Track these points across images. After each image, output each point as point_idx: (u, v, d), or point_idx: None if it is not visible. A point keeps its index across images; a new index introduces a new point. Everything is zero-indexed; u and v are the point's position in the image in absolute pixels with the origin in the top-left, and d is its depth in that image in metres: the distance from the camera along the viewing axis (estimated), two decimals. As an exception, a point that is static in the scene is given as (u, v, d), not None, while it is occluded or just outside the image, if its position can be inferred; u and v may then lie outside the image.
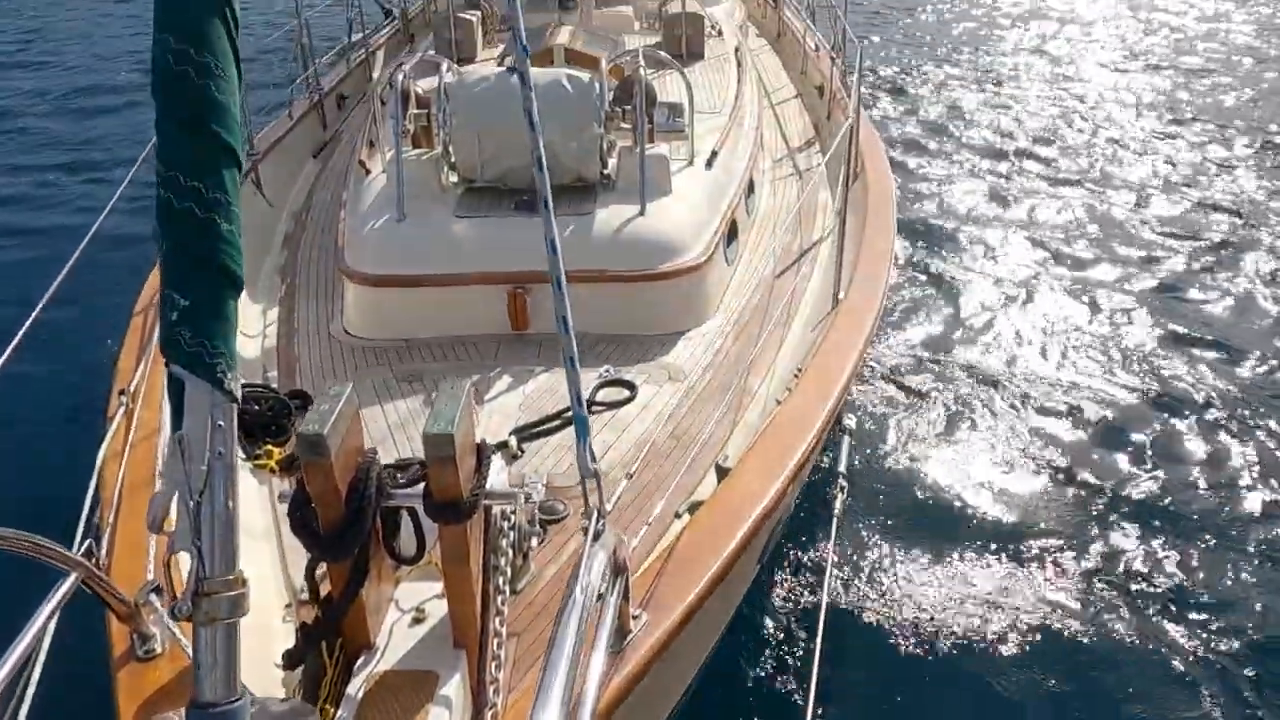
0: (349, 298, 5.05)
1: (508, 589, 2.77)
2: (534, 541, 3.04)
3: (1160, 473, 6.02)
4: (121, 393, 3.67)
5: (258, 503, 3.46)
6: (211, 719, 1.36)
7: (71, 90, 15.66)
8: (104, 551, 2.74)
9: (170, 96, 1.44)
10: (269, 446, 3.27)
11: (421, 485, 2.53)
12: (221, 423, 1.42)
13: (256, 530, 3.32)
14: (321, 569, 2.57)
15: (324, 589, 2.59)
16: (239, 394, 1.47)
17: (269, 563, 3.25)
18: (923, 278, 8.52)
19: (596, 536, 1.84)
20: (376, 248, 4.94)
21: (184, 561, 1.52)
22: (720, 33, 8.15)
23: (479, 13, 8.06)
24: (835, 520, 3.60)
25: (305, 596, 2.91)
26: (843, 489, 3.64)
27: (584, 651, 1.62)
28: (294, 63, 8.35)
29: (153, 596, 2.40)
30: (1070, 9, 20.57)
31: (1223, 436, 6.40)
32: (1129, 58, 16.67)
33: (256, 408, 2.95)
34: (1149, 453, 6.20)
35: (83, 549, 2.67)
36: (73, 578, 2.12)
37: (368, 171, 5.68)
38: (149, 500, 1.43)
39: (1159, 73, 15.53)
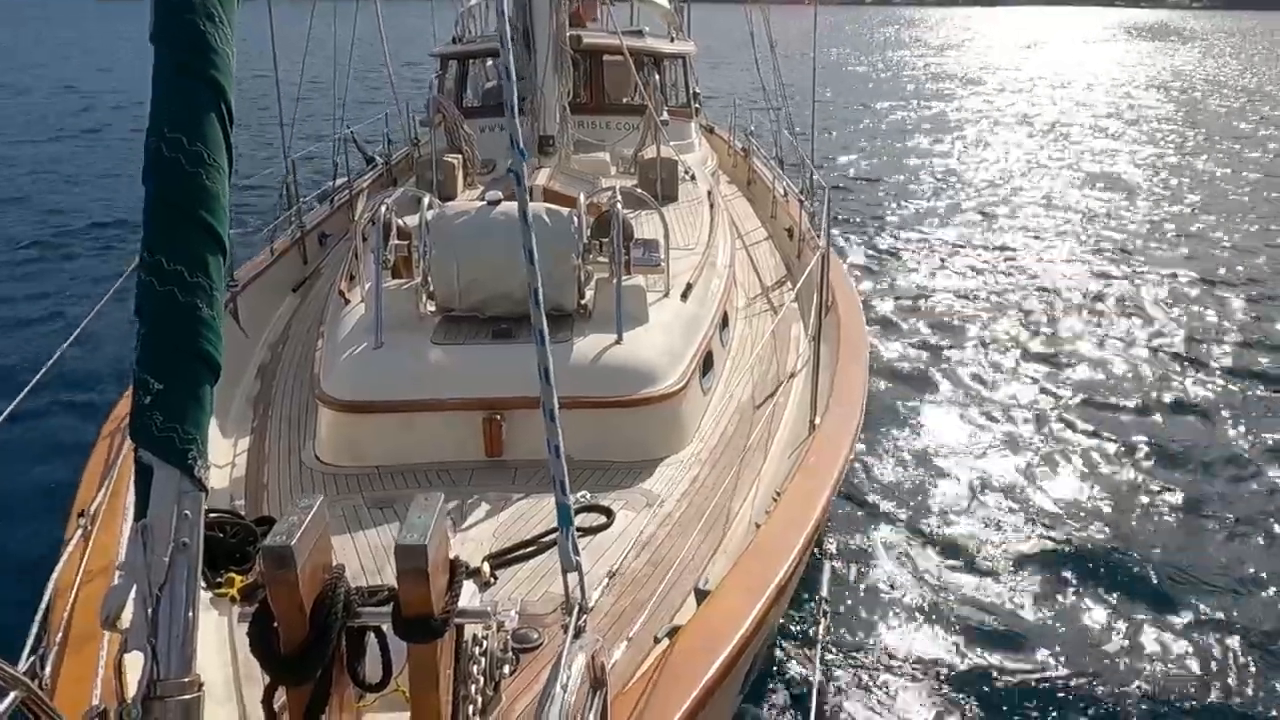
0: (323, 424, 5.00)
1: (477, 719, 2.62)
2: (506, 670, 2.90)
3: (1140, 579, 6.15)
4: (81, 514, 3.55)
5: (213, 634, 3.30)
6: None
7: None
8: (49, 673, 2.58)
9: (160, 183, 1.45)
10: (231, 574, 3.15)
11: (390, 604, 2.42)
12: (188, 512, 1.37)
13: (211, 662, 3.15)
14: (280, 697, 2.42)
15: None
16: (208, 483, 1.43)
17: (221, 691, 3.07)
18: (895, 403, 8.75)
19: (578, 634, 1.75)
20: (353, 374, 4.93)
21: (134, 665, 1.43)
22: (693, 177, 8.49)
23: (460, 156, 8.37)
24: (819, 646, 3.49)
25: None
26: (825, 614, 3.55)
27: None
28: (280, 200, 8.57)
29: None
30: (1024, 153, 22.18)
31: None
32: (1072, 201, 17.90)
33: (221, 535, 2.86)
34: (1132, 568, 6.28)
35: (27, 668, 2.50)
36: (13, 695, 1.97)
37: (347, 301, 5.73)
38: (104, 594, 1.35)
39: (1098, 216, 16.60)
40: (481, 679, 2.66)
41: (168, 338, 1.42)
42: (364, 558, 3.92)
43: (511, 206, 5.36)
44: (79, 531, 3.43)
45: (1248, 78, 47.26)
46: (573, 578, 2.06)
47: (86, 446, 4.50)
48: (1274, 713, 4.98)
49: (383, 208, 5.43)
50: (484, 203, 5.40)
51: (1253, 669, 5.29)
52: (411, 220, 5.67)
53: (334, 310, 5.73)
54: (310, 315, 7.01)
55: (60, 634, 2.80)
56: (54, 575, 3.12)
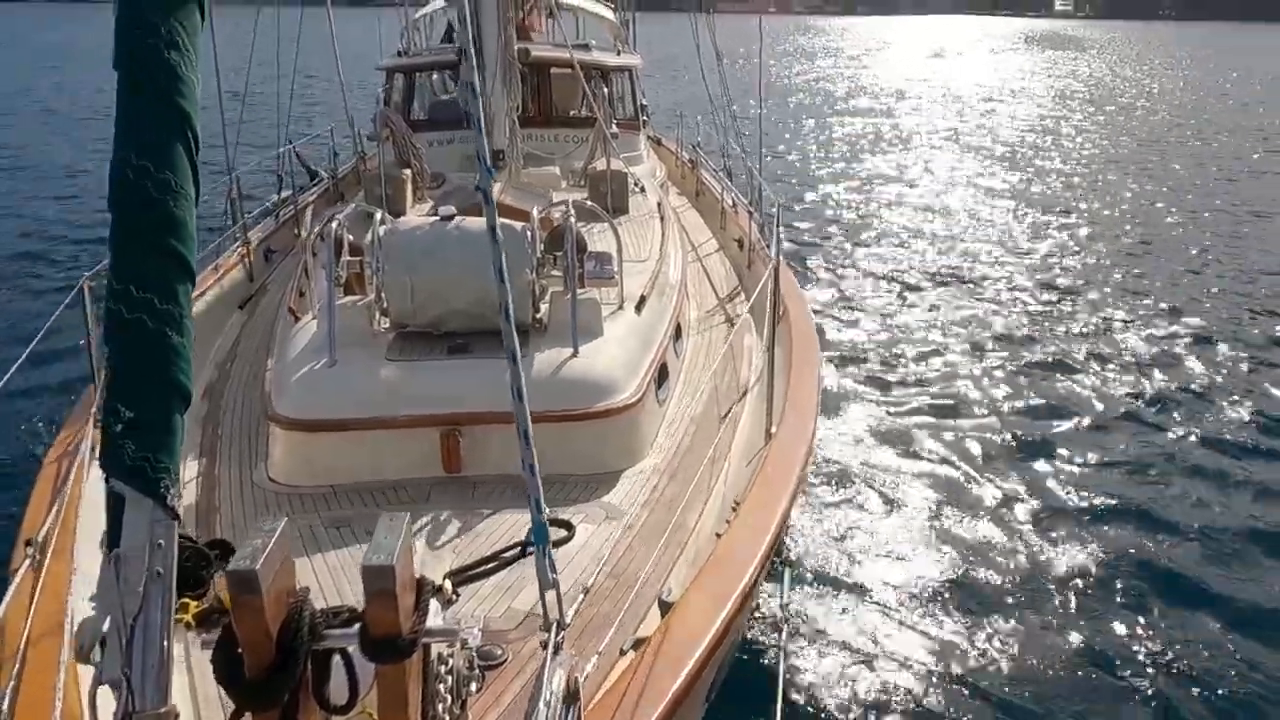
0: (276, 444, 4.93)
1: None
2: (473, 688, 2.90)
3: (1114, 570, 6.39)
4: (28, 543, 3.45)
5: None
6: None
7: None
8: (4, 709, 2.51)
9: (126, 210, 1.44)
10: (186, 600, 3.10)
11: (357, 626, 2.41)
12: (161, 541, 1.36)
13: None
14: None
15: None
16: (180, 512, 1.42)
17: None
18: (848, 406, 8.92)
19: (556, 650, 1.77)
20: (307, 392, 4.87)
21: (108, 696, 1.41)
22: (643, 189, 8.55)
23: (409, 171, 8.31)
24: (781, 652, 3.54)
25: None
26: (787, 620, 3.60)
27: None
28: (224, 216, 8.42)
29: None
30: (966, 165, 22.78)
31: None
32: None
33: None
34: (1094, 565, 6.47)
35: None
36: None
37: (297, 318, 5.66)
38: (78, 626, 1.33)
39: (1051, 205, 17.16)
40: (449, 697, 2.65)
41: (138, 366, 1.41)
42: (322, 578, 3.88)
43: (465, 221, 5.35)
44: (27, 561, 3.34)
45: (1149, 82, 48.94)
46: (550, 595, 2.07)
47: (31, 474, 4.38)
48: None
49: (334, 223, 5.38)
50: (437, 218, 5.38)
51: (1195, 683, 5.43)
52: (363, 236, 5.63)
53: (284, 328, 5.65)
54: (258, 333, 6.90)
55: (16, 667, 2.73)
56: (1, 609, 3.03)
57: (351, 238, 5.69)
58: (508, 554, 3.98)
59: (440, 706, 2.62)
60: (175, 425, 1.44)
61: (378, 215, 5.39)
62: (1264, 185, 21.51)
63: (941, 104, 37.89)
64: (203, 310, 6.91)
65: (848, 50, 69.44)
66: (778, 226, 5.61)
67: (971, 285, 13.15)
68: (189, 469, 5.18)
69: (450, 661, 2.73)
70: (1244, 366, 10.21)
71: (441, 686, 2.65)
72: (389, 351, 5.08)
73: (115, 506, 1.39)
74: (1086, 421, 8.84)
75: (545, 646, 1.76)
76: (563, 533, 4.27)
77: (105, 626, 1.32)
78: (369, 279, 5.42)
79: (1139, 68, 58.61)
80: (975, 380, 9.72)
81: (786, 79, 49.32)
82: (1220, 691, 5.26)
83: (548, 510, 4.35)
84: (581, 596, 3.27)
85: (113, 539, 1.37)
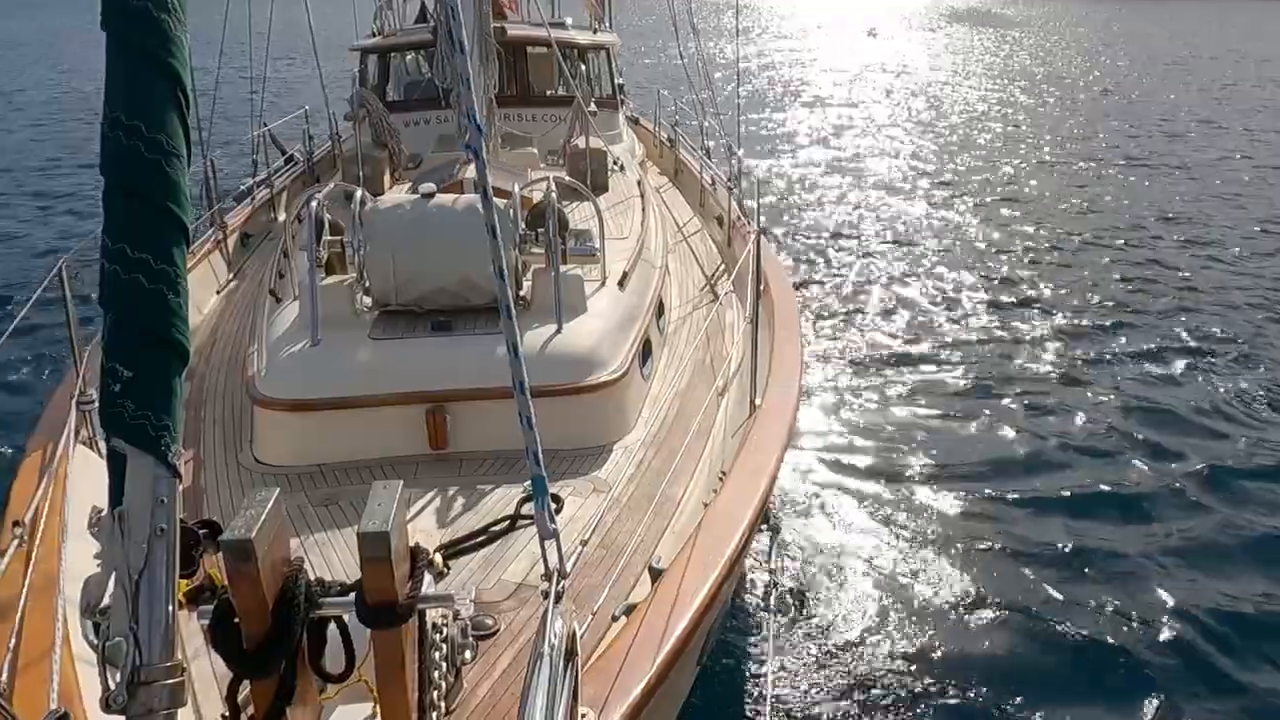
0: (261, 426, 4.91)
1: (443, 704, 2.64)
2: (467, 655, 2.93)
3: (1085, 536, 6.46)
4: (16, 524, 3.44)
5: None
6: None
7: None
8: (3, 686, 2.51)
9: (119, 170, 1.43)
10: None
11: (353, 594, 2.43)
12: (164, 498, 1.37)
13: None
14: (244, 691, 2.41)
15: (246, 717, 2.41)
16: (182, 470, 1.43)
17: None
18: (831, 377, 9.05)
19: (558, 599, 1.80)
20: (291, 373, 4.86)
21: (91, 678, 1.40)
22: (622, 167, 8.53)
23: (386, 151, 8.25)
24: (771, 616, 3.59)
25: None
26: (775, 585, 3.65)
27: None
28: (199, 201, 8.33)
29: None
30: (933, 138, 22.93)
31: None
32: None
33: None
34: (1075, 536, 6.54)
35: None
36: None
37: (278, 300, 5.63)
38: (83, 582, 1.34)
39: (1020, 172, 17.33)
40: (444, 665, 2.68)
41: (136, 325, 1.41)
42: (313, 556, 3.88)
43: (447, 198, 5.33)
44: (15, 542, 3.33)
45: (1082, 61, 48.81)
46: (550, 545, 2.10)
47: (14, 458, 4.35)
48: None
49: (313, 203, 5.35)
50: (418, 196, 5.36)
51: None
52: (343, 216, 5.60)
53: (266, 311, 5.62)
54: (237, 317, 6.86)
55: (11, 645, 2.72)
56: None
57: (331, 217, 5.66)
58: (496, 527, 4.02)
59: (435, 674, 2.65)
60: (174, 384, 1.44)
61: (357, 194, 5.36)
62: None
63: (888, 81, 37.88)
64: None
65: (782, 30, 68.64)
66: (758, 200, 5.63)
67: (941, 245, 13.68)
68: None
69: (445, 630, 2.76)
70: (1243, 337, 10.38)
71: (436, 654, 2.68)
72: (372, 331, 5.07)
73: (117, 465, 1.39)
74: (1070, 367, 9.18)
75: (546, 596, 1.78)
76: (551, 505, 4.32)
77: (110, 582, 1.33)
78: (350, 258, 5.39)
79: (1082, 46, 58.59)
80: (955, 338, 10.03)
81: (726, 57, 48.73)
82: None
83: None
84: (580, 549, 3.31)
85: (115, 497, 1.38)
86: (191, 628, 2.49)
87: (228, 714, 2.43)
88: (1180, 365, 9.48)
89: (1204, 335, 10.28)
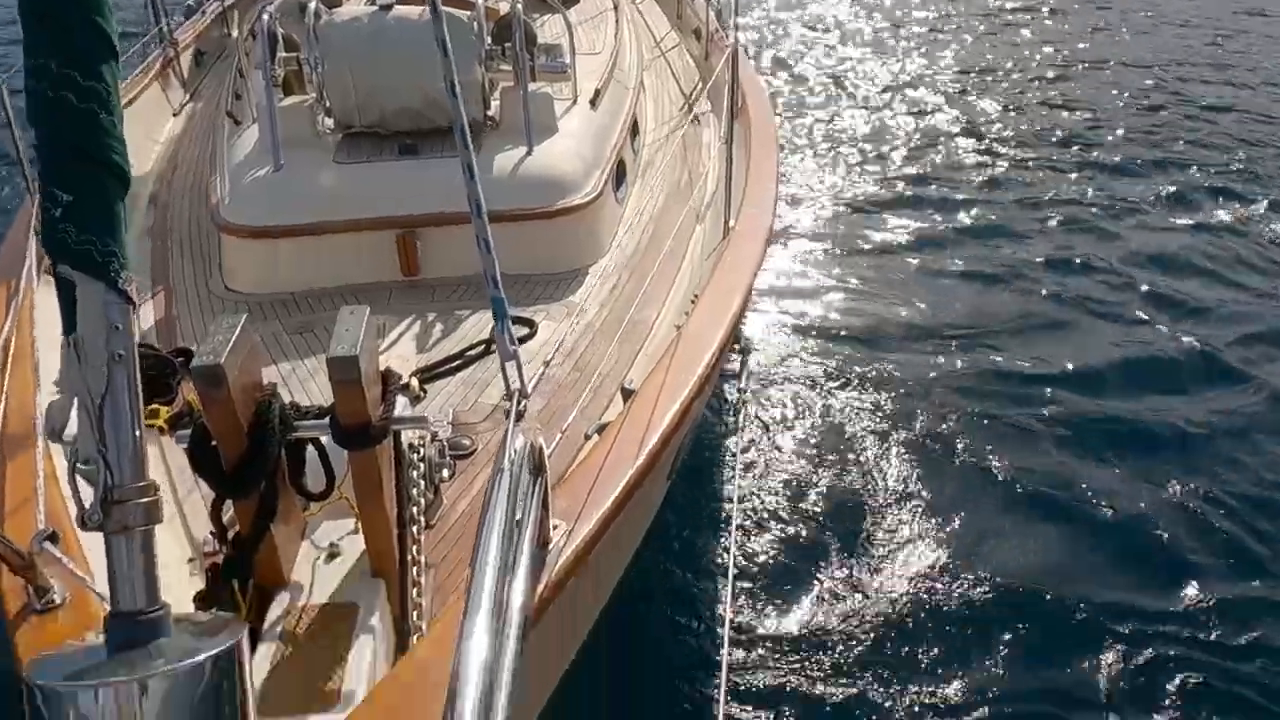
0: (229, 252, 4.85)
1: (422, 519, 2.75)
2: (445, 473, 3.03)
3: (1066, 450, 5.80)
4: None
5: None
6: (133, 627, 1.30)
7: None
8: None
9: None
10: (155, 405, 3.14)
11: (328, 417, 2.48)
12: (119, 324, 1.35)
13: None
14: (228, 511, 2.49)
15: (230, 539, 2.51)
16: (135, 296, 1.41)
17: (166, 520, 3.13)
18: (806, 203, 8.94)
19: (519, 417, 1.84)
20: (254, 199, 4.74)
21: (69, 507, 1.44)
22: None
23: None
24: (739, 433, 3.70)
25: (209, 548, 2.82)
26: (744, 404, 3.74)
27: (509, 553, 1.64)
28: (143, 12, 7.84)
29: (48, 544, 2.28)
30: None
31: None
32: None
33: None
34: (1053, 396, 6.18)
35: None
36: None
37: (237, 123, 5.42)
38: (45, 409, 1.35)
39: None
40: (422, 483, 2.77)
41: (69, 145, 1.35)
42: (291, 383, 3.93)
43: (407, 10, 5.04)
44: None
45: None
46: (510, 366, 2.13)
47: None
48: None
49: (265, 16, 5.05)
50: (375, 7, 5.06)
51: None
52: (299, 30, 5.30)
53: (225, 134, 5.42)
54: (197, 141, 6.62)
55: None
56: None
57: (285, 32, 5.37)
58: (472, 352, 4.06)
59: (414, 490, 2.74)
60: (116, 209, 1.39)
61: (311, 5, 5.05)
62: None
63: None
64: (134, 120, 6.58)
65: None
66: (734, 9, 5.35)
67: (940, 66, 13.12)
68: (141, 280, 5.10)
69: (422, 450, 2.83)
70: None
71: (414, 473, 2.77)
72: (336, 154, 4.92)
73: (66, 292, 1.37)
74: (1079, 208, 8.85)
75: (508, 416, 1.82)
76: (524, 330, 4.34)
77: (73, 407, 1.34)
78: (308, 77, 5.16)
79: None
80: (949, 166, 9.81)
81: None
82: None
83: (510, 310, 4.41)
84: (543, 369, 3.36)
85: (68, 324, 1.36)
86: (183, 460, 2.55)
87: (213, 531, 2.53)
88: (1218, 214, 8.66)
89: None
